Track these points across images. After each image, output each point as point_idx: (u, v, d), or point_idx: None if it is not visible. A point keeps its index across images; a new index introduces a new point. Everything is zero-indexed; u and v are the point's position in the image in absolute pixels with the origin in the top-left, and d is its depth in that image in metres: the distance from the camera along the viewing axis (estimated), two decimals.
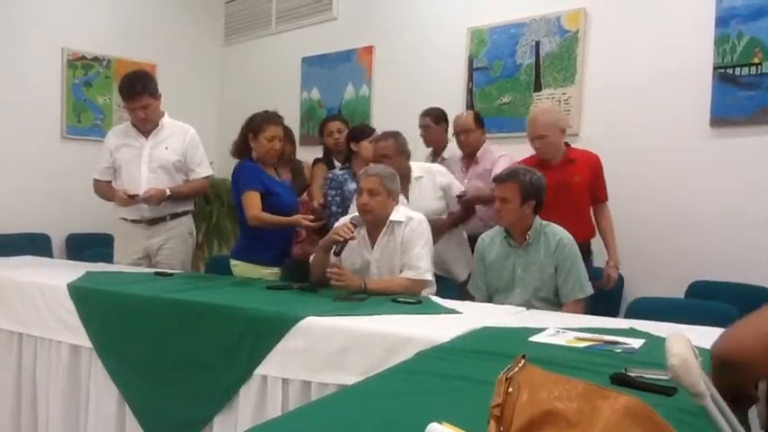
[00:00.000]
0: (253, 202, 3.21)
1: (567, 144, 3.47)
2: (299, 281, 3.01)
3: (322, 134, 4.20)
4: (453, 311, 2.44)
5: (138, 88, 3.56)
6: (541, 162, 3.37)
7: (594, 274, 3.22)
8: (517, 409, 0.87)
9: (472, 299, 3.03)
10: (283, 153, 3.58)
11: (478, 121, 3.95)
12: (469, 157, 3.95)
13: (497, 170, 3.39)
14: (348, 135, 3.92)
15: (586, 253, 3.28)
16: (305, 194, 4.02)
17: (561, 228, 2.93)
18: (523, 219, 2.90)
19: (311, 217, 3.25)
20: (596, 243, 3.46)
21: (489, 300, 2.98)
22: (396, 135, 3.41)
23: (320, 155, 4.29)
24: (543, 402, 0.85)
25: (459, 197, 3.62)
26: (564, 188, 3.26)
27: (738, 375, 1.17)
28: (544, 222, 2.94)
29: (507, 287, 2.93)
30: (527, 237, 2.90)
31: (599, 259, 3.48)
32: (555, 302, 2.87)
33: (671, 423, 0.83)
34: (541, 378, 0.90)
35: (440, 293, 2.94)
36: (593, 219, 3.46)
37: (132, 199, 3.51)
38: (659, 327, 2.12)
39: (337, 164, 4.02)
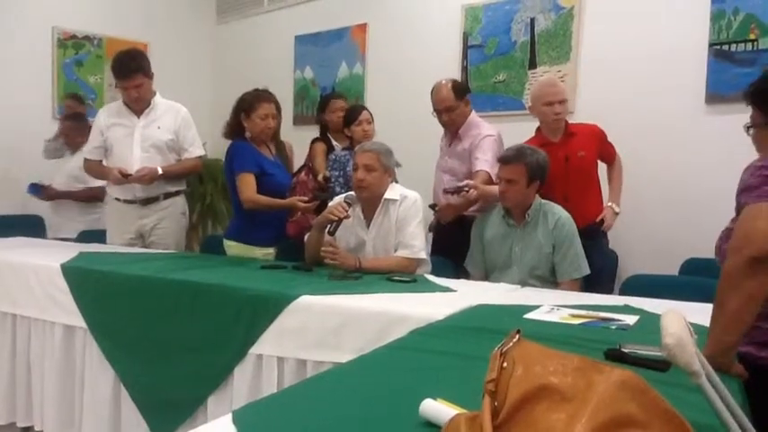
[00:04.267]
0: (248, 185, 3.19)
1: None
2: (293, 260, 3.01)
3: (324, 111, 4.04)
4: (448, 290, 2.45)
5: (132, 67, 3.53)
6: (543, 141, 3.30)
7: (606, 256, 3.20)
8: (512, 384, 0.86)
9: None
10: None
11: (459, 92, 3.45)
12: (453, 134, 3.54)
13: (480, 154, 3.28)
14: (344, 119, 3.83)
15: (598, 233, 3.24)
16: (302, 174, 3.98)
17: (560, 207, 2.94)
18: (527, 199, 2.90)
19: (306, 198, 3.23)
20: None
21: (485, 277, 2.98)
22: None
23: (315, 134, 4.22)
24: (538, 377, 0.85)
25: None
26: (567, 164, 3.21)
27: None
28: (543, 201, 2.94)
29: (504, 265, 2.94)
30: (526, 216, 2.90)
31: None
32: (550, 281, 2.88)
33: (665, 397, 0.83)
34: (536, 353, 0.89)
35: None
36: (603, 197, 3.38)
37: (126, 177, 3.49)
38: (654, 303, 2.13)
39: (336, 144, 3.96)
